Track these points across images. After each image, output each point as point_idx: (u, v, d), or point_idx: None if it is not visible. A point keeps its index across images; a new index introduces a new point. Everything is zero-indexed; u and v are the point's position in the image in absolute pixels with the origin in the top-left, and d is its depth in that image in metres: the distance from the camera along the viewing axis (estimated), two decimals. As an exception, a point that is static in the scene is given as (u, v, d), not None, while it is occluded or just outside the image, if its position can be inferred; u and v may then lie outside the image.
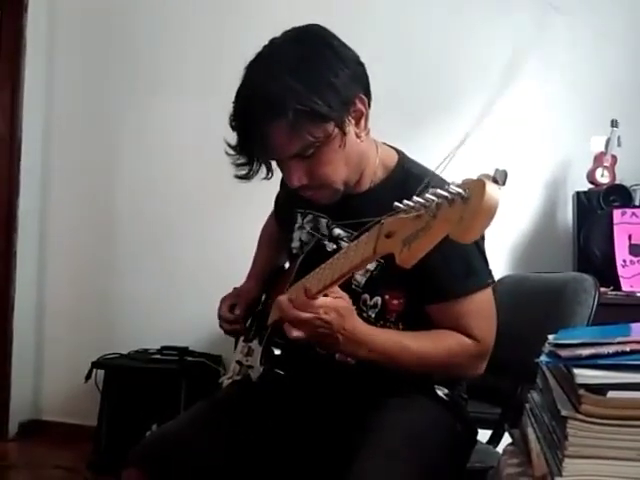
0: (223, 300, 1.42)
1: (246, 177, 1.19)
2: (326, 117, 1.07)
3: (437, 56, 2.65)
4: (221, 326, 1.41)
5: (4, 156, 3.01)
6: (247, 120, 1.11)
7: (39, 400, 3.10)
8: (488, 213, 0.66)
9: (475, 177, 0.69)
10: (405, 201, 0.78)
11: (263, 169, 1.19)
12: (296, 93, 1.05)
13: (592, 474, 0.74)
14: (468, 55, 2.62)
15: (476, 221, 0.66)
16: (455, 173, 0.84)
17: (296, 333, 1.03)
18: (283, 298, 1.05)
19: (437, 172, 1.05)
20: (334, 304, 1.02)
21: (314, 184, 1.15)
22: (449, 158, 0.81)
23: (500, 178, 0.67)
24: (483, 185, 0.65)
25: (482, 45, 2.61)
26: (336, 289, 1.02)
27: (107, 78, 3.05)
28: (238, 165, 1.18)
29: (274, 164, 1.19)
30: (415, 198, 0.75)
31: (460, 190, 0.68)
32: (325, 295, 1.01)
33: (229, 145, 1.16)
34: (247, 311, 1.41)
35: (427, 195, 0.73)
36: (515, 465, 0.90)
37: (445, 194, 0.70)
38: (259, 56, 1.14)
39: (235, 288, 1.46)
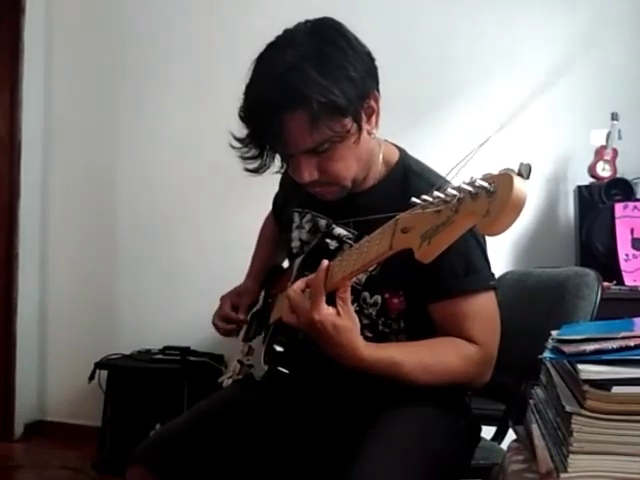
0: (224, 299, 1.41)
1: (257, 171, 1.15)
2: (345, 111, 1.05)
3: (437, 52, 2.65)
4: (215, 324, 1.39)
5: (4, 158, 3.01)
6: (263, 111, 1.06)
7: (43, 401, 3.11)
8: (517, 206, 0.66)
9: (497, 172, 0.69)
10: (423, 196, 0.77)
11: (275, 162, 1.15)
12: (318, 84, 1.02)
13: (597, 470, 0.74)
14: (467, 51, 2.62)
15: (505, 214, 0.66)
16: (458, 174, 0.84)
17: (290, 319, 1.03)
18: (297, 288, 1.02)
19: (452, 174, 1.02)
20: (332, 321, 0.98)
21: (324, 180, 1.12)
22: (465, 161, 0.80)
23: (525, 172, 0.67)
24: (511, 179, 0.66)
25: (483, 40, 2.61)
26: (348, 306, 0.99)
27: (105, 78, 3.05)
28: (246, 158, 1.14)
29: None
30: (435, 193, 0.74)
31: (485, 184, 0.68)
32: (332, 301, 0.98)
33: (236, 138, 1.12)
34: (249, 311, 1.40)
35: (448, 190, 0.72)
36: (520, 461, 0.90)
37: (468, 188, 0.69)
38: (273, 45, 1.11)
39: (236, 287, 1.46)
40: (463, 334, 1.10)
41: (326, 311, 0.98)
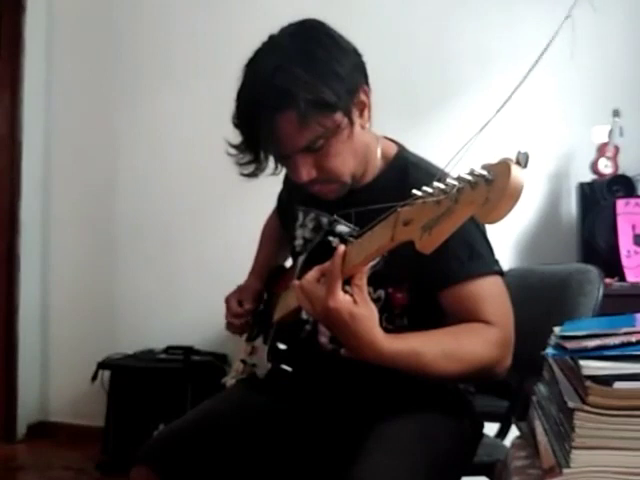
0: (229, 299, 1.41)
1: (253, 175, 1.17)
2: (334, 106, 1.06)
3: (438, 47, 2.65)
4: (229, 324, 1.40)
5: (5, 157, 3.02)
6: (254, 115, 1.08)
7: (46, 402, 3.11)
8: (514, 193, 0.66)
9: (496, 161, 0.69)
10: (424, 188, 0.77)
11: (270, 165, 1.17)
12: (304, 83, 1.03)
13: (600, 465, 0.74)
14: (467, 47, 2.62)
15: (503, 201, 0.66)
16: (456, 166, 0.84)
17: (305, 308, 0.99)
18: (310, 277, 0.98)
19: (451, 163, 1.02)
20: (349, 309, 0.93)
21: (323, 178, 1.13)
22: (463, 150, 0.81)
23: (522, 160, 0.67)
24: (508, 167, 0.66)
25: (483, 38, 2.61)
26: (364, 294, 0.94)
27: (106, 78, 3.06)
28: (242, 164, 1.16)
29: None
30: (435, 184, 0.75)
31: (484, 172, 0.68)
32: (347, 291, 0.94)
33: (231, 145, 1.15)
34: (255, 305, 1.40)
35: (447, 180, 0.73)
36: (523, 458, 0.90)
37: (468, 178, 0.70)
38: (259, 52, 1.13)
39: (238, 286, 1.46)
40: (478, 317, 1.07)
41: (342, 298, 0.93)
